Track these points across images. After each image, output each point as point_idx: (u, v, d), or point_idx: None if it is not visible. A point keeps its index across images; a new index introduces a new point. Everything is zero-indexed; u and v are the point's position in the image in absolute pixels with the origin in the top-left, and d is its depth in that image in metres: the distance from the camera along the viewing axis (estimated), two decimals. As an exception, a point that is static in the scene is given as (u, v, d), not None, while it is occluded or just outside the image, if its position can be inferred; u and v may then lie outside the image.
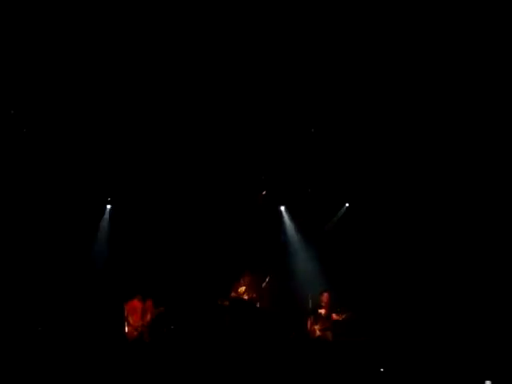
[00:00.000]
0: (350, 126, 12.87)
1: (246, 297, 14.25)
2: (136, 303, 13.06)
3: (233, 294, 14.25)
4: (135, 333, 12.83)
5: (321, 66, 11.07)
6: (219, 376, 11.73)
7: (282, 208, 15.80)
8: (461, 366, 11.25)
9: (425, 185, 13.84)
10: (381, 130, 12.87)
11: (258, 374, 11.72)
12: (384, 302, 14.08)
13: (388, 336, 13.09)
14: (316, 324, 13.27)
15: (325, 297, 13.45)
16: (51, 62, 11.21)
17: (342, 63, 10.85)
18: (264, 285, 14.99)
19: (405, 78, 11.14)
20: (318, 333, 13.21)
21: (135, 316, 12.95)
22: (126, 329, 12.89)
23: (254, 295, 14.25)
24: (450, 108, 11.65)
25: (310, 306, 13.47)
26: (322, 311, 13.37)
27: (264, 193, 15.04)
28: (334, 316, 13.17)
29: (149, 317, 12.99)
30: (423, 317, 13.49)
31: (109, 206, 14.98)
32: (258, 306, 14.11)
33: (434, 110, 11.80)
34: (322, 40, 10.24)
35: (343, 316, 13.07)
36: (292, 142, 13.61)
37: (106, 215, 14.95)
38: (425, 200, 13.98)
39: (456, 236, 13.56)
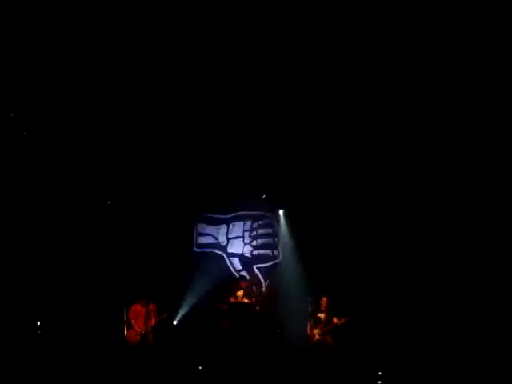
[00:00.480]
0: (350, 128, 12.86)
1: (245, 301, 14.23)
2: (139, 307, 12.96)
3: (232, 299, 14.23)
4: (137, 337, 12.73)
5: (320, 68, 11.07)
6: (219, 379, 11.72)
7: (281, 212, 15.82)
8: (460, 369, 11.23)
9: (425, 187, 13.82)
10: (380, 132, 12.86)
11: (258, 378, 11.70)
12: (384, 306, 14.00)
13: (387, 340, 13.07)
14: (315, 328, 13.21)
15: (324, 301, 13.40)
16: (50, 63, 11.20)
17: (341, 64, 10.85)
18: (263, 289, 15.00)
19: (404, 79, 11.15)
20: (317, 337, 13.15)
21: (138, 320, 12.85)
22: (127, 332, 12.80)
23: (253, 299, 14.24)
24: (450, 108, 11.66)
25: (310, 310, 13.42)
26: (322, 315, 13.32)
27: (264, 196, 15.08)
28: (335, 320, 13.09)
29: (153, 321, 12.87)
30: (422, 320, 13.43)
31: None
32: (257, 309, 14.09)
33: (433, 111, 11.81)
34: (324, 40, 10.23)
35: (343, 320, 12.99)
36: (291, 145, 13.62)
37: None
38: (424, 202, 13.95)
39: (455, 237, 13.53)
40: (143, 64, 11.17)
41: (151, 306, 12.95)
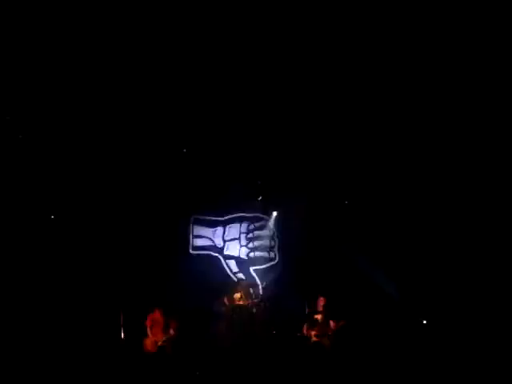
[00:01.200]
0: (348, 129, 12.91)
1: (242, 303, 14.23)
2: (158, 316, 12.80)
3: (229, 301, 14.22)
4: (154, 345, 12.56)
5: (320, 69, 11.09)
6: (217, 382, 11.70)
7: (274, 213, 15.87)
8: (462, 369, 11.24)
9: (424, 186, 13.88)
10: (378, 134, 12.92)
11: (255, 380, 11.69)
12: (381, 308, 14.03)
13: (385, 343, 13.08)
14: (312, 330, 13.18)
15: (321, 302, 13.39)
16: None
17: (341, 65, 10.88)
18: (260, 291, 15.00)
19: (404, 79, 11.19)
20: (314, 338, 13.12)
21: (156, 329, 12.68)
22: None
23: (250, 302, 14.24)
24: (450, 108, 11.71)
25: (306, 311, 13.42)
26: (318, 317, 13.31)
27: (260, 198, 15.13)
28: (331, 322, 13.08)
29: (172, 333, 12.71)
30: (419, 323, 13.47)
31: None
32: (253, 312, 14.09)
33: (433, 111, 11.85)
34: (322, 40, 10.26)
35: (340, 322, 12.99)
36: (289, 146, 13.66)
37: None
38: (424, 203, 14.02)
39: (455, 238, 13.59)
40: (141, 63, 11.15)
41: (171, 318, 12.77)
